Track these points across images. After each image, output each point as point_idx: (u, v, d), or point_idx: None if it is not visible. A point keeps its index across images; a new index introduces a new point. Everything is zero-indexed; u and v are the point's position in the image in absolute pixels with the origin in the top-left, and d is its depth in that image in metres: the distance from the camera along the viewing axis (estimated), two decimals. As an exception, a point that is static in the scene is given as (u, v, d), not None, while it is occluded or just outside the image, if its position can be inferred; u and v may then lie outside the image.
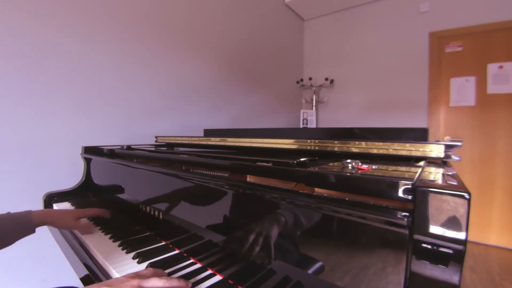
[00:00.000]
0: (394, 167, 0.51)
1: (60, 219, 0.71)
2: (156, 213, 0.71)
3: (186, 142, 1.20)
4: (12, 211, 0.65)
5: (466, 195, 0.29)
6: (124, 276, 0.43)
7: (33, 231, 0.66)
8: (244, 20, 2.45)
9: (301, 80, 3.26)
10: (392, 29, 2.81)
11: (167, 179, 0.69)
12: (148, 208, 0.75)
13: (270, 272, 0.46)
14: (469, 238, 2.37)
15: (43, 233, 0.95)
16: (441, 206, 0.30)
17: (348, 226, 0.39)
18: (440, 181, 0.36)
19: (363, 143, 0.63)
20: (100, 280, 0.54)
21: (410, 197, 0.34)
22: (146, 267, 0.54)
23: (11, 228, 0.61)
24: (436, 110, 2.56)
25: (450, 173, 0.44)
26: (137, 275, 0.43)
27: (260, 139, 0.84)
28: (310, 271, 0.42)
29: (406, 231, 0.33)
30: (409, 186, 0.34)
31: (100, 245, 0.66)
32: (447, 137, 2.51)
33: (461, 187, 0.32)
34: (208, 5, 2.06)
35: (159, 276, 0.44)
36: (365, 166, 0.47)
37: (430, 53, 2.59)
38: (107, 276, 0.54)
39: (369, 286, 0.36)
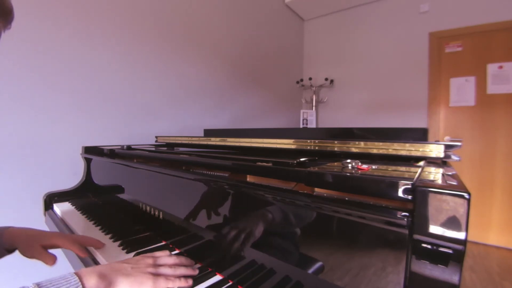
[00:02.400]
0: (394, 167, 0.51)
1: (25, 245, 0.57)
2: (156, 213, 0.71)
3: (186, 142, 1.20)
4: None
5: (465, 195, 0.29)
6: (140, 255, 0.49)
7: (8, 253, 0.59)
8: (244, 21, 2.45)
9: (301, 80, 3.26)
10: (392, 29, 2.81)
11: (167, 179, 0.70)
12: (148, 208, 0.75)
13: (270, 271, 0.46)
14: (469, 238, 2.36)
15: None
16: (441, 206, 0.31)
17: (348, 226, 0.39)
18: (440, 181, 0.36)
19: (363, 143, 0.64)
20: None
21: (410, 197, 0.34)
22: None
23: None
24: (436, 110, 2.56)
25: (450, 173, 0.44)
26: (151, 255, 0.49)
27: (260, 139, 0.84)
28: (310, 270, 0.42)
29: (406, 231, 0.33)
30: (409, 186, 0.34)
31: (100, 245, 0.66)
32: (446, 137, 2.51)
33: (461, 187, 0.32)
34: (208, 5, 2.06)
35: (169, 255, 0.51)
36: (365, 166, 0.47)
37: (430, 53, 2.59)
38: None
39: (369, 286, 0.36)
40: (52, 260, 0.56)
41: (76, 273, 0.38)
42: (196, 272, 0.50)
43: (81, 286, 0.37)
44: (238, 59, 2.41)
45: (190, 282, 0.47)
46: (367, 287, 0.36)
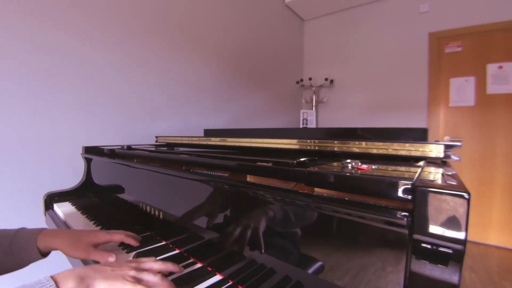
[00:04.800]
0: (393, 167, 0.51)
1: (70, 247, 0.55)
2: (156, 213, 0.71)
3: (186, 142, 1.20)
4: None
5: (465, 195, 0.29)
6: (125, 260, 0.47)
7: (43, 257, 0.56)
8: (244, 21, 2.45)
9: (301, 80, 3.26)
10: (392, 29, 2.81)
11: (167, 179, 0.70)
12: (148, 208, 0.75)
13: (270, 271, 0.46)
14: (469, 238, 2.36)
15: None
16: (441, 206, 0.31)
17: (348, 226, 0.39)
18: (439, 181, 0.37)
19: (363, 143, 0.64)
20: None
21: (409, 197, 0.34)
22: (147, 267, 0.53)
23: (8, 253, 0.53)
24: (436, 110, 2.56)
25: (449, 173, 0.44)
26: (135, 260, 0.47)
27: (260, 139, 0.84)
28: (310, 270, 0.42)
29: (406, 231, 0.33)
30: (409, 186, 0.34)
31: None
32: (446, 137, 2.52)
33: (461, 187, 0.32)
34: (208, 5, 2.06)
35: (155, 261, 0.48)
36: (364, 166, 0.47)
37: (430, 53, 2.59)
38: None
39: (369, 286, 0.36)
40: (108, 256, 0.54)
41: (52, 277, 0.37)
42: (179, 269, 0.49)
43: None
44: (238, 59, 2.41)
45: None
46: (367, 287, 0.36)
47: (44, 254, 0.56)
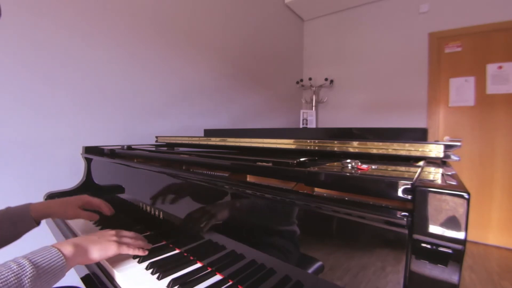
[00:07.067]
0: (393, 167, 0.51)
1: (61, 210, 0.68)
2: (157, 212, 0.71)
3: (187, 142, 1.20)
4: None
5: (465, 195, 0.29)
6: (103, 230, 0.57)
7: (37, 225, 0.65)
8: (244, 21, 2.45)
9: (301, 80, 3.26)
10: (391, 30, 2.81)
11: (168, 179, 0.70)
12: (148, 208, 0.75)
13: (270, 271, 0.46)
14: (468, 238, 2.37)
15: (44, 231, 0.95)
16: (441, 206, 0.31)
17: (348, 225, 0.39)
18: (439, 181, 0.37)
19: (363, 143, 0.64)
20: (100, 280, 0.55)
21: (409, 197, 0.34)
22: (147, 266, 0.54)
23: (8, 225, 0.61)
24: (436, 110, 2.56)
25: (449, 173, 0.44)
26: (116, 231, 0.57)
27: (260, 139, 0.84)
28: (310, 270, 0.42)
29: (406, 231, 0.33)
30: (409, 186, 0.34)
31: (101, 244, 0.66)
32: (446, 137, 2.52)
33: (461, 187, 0.32)
34: (208, 6, 2.07)
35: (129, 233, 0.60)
36: (364, 166, 0.47)
37: (430, 54, 2.59)
38: (108, 276, 0.54)
39: (369, 286, 0.36)
40: (95, 216, 0.72)
41: (53, 246, 0.44)
42: (150, 245, 0.59)
43: (60, 253, 0.43)
44: (238, 59, 2.41)
45: (146, 252, 0.57)
46: (367, 287, 0.36)
47: (37, 223, 0.66)
